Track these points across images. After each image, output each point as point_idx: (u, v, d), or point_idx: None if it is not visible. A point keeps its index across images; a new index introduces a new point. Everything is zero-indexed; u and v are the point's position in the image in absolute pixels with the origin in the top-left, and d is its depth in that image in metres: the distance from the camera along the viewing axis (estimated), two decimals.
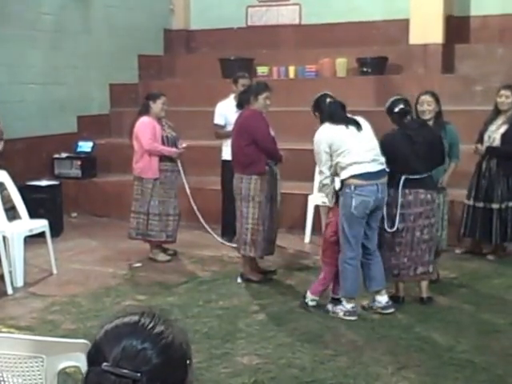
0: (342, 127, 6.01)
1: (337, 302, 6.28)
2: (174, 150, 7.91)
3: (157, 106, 7.82)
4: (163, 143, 7.85)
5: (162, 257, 8.04)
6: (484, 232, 7.76)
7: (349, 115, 6.16)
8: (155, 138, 7.78)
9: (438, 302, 6.48)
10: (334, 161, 6.01)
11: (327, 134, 6.04)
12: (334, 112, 6.15)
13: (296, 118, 10.60)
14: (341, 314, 6.12)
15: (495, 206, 7.67)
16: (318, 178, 6.31)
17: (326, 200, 8.29)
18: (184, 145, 8.05)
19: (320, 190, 6.41)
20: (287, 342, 5.62)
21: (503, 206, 7.66)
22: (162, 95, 7.91)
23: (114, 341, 1.58)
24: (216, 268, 7.74)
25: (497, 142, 7.59)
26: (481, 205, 7.74)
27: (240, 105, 7.27)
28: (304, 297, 6.40)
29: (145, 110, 7.87)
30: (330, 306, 6.24)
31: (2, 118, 8.56)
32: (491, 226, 7.70)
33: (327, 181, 6.14)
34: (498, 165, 7.64)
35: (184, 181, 8.15)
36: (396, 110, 6.32)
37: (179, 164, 8.01)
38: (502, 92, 7.62)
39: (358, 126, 6.05)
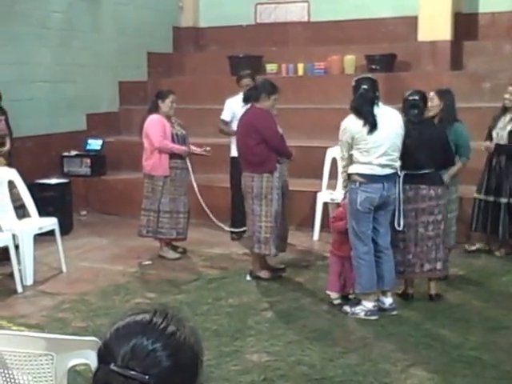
0: (364, 124, 5.88)
1: (350, 301, 6.27)
2: (183, 148, 7.92)
3: (166, 105, 7.82)
4: (173, 141, 7.86)
5: (171, 254, 8.05)
6: (493, 226, 7.76)
7: (375, 110, 5.95)
8: (165, 136, 7.79)
9: (446, 299, 6.48)
10: (351, 151, 5.99)
11: (352, 127, 5.95)
12: (359, 103, 6.00)
13: (305, 115, 10.62)
14: (362, 315, 6.07)
15: (503, 200, 7.67)
16: (340, 162, 6.28)
17: (334, 197, 8.38)
18: (203, 149, 8.06)
19: (340, 174, 6.38)
20: (296, 339, 5.62)
21: (511, 200, 7.67)
22: (171, 93, 7.90)
23: (124, 339, 1.57)
24: (225, 266, 7.74)
25: (505, 139, 7.59)
26: (491, 199, 7.75)
27: (247, 99, 7.20)
28: (329, 296, 6.40)
29: (154, 108, 7.88)
30: (347, 308, 6.18)
31: (11, 116, 8.60)
32: (499, 221, 7.72)
33: (347, 168, 6.10)
34: (508, 160, 7.64)
35: (192, 178, 8.16)
36: (410, 98, 6.31)
37: (188, 162, 8.02)
38: (509, 89, 7.61)
39: (383, 124, 5.92)
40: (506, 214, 7.69)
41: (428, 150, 6.20)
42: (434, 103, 6.83)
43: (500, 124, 7.66)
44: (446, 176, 6.73)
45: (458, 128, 6.96)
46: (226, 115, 8.64)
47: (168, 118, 7.89)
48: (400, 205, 6.17)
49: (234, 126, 7.95)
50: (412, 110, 6.28)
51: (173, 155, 7.83)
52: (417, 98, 6.30)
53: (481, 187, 7.84)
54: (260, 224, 6.99)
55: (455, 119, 6.99)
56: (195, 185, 8.24)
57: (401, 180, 6.15)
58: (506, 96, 7.60)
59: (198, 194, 8.26)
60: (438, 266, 6.35)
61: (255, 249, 7.12)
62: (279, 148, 7.03)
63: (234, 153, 8.02)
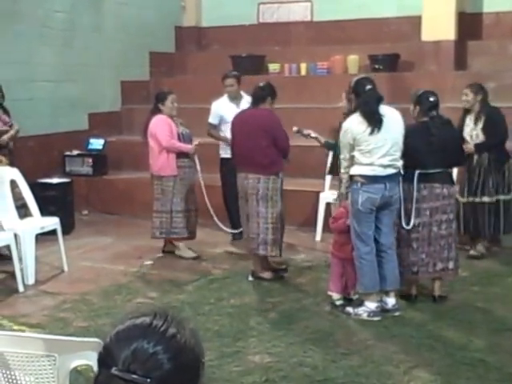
0: (369, 125, 5.85)
1: (353, 302, 6.25)
2: (190, 146, 7.90)
3: (167, 107, 7.79)
4: (179, 140, 7.84)
5: (189, 253, 8.02)
6: (476, 227, 7.78)
7: (381, 110, 5.94)
8: (172, 135, 7.77)
9: (449, 301, 6.44)
10: (353, 152, 5.97)
11: (354, 128, 5.92)
12: (367, 103, 5.96)
13: (307, 114, 10.57)
14: (365, 316, 6.04)
15: (487, 199, 7.69)
16: (341, 164, 6.27)
17: (336, 197, 8.35)
18: (196, 142, 8.06)
19: (341, 175, 6.35)
20: (298, 340, 5.59)
21: (494, 199, 7.69)
22: (169, 94, 7.87)
23: (124, 343, 1.55)
24: (227, 266, 7.72)
25: (481, 137, 7.64)
26: (477, 199, 7.73)
27: (257, 100, 7.13)
28: (331, 297, 6.38)
29: (156, 111, 7.85)
30: (350, 309, 6.15)
31: (13, 116, 8.57)
32: (483, 220, 7.73)
33: (348, 169, 6.07)
34: (490, 157, 7.65)
35: (200, 178, 8.12)
36: (431, 99, 6.29)
37: (196, 160, 7.99)
38: (464, 91, 7.76)
39: (385, 124, 5.89)
40: (493, 213, 7.71)
41: (444, 149, 6.21)
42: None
43: (468, 127, 7.72)
44: None
45: None
46: (213, 119, 8.63)
47: (171, 117, 7.87)
48: (412, 204, 6.17)
49: (224, 130, 8.14)
50: (433, 110, 6.29)
51: (180, 154, 7.81)
52: (436, 98, 6.33)
53: (463, 189, 7.78)
54: (266, 226, 6.96)
55: None
56: (202, 184, 8.18)
57: (415, 179, 6.16)
58: (464, 98, 7.73)
59: (205, 194, 8.17)
60: (450, 265, 6.36)
61: (260, 250, 7.06)
62: (287, 150, 7.06)
63: (224, 154, 8.04)
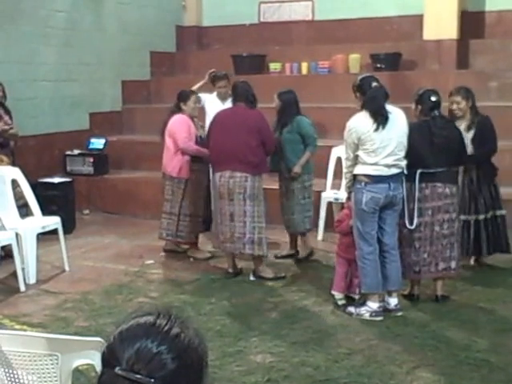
0: (375, 122, 5.82)
1: (355, 302, 6.23)
2: (207, 150, 7.79)
3: (189, 106, 7.73)
4: (196, 143, 7.73)
5: (202, 254, 8.00)
6: (474, 246, 7.22)
7: (388, 107, 5.92)
8: (190, 137, 7.70)
9: (452, 300, 6.42)
10: (357, 152, 5.94)
11: (359, 127, 5.89)
12: (374, 98, 5.93)
13: (309, 114, 10.48)
14: (367, 315, 6.02)
15: (481, 216, 7.16)
16: (344, 163, 6.26)
17: (338, 196, 8.34)
18: None
19: (344, 175, 6.32)
20: (301, 340, 5.57)
21: (488, 215, 7.18)
22: (192, 94, 7.84)
23: (128, 342, 1.54)
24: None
25: (470, 149, 6.98)
26: (472, 218, 7.17)
27: (251, 101, 7.15)
28: (333, 297, 6.37)
29: (177, 110, 7.79)
30: (352, 309, 6.13)
31: (14, 115, 8.55)
32: (480, 239, 7.19)
33: (352, 169, 6.05)
34: (479, 171, 7.13)
35: (211, 183, 8.05)
36: (433, 98, 6.22)
37: (210, 165, 7.93)
38: (453, 98, 7.03)
39: (391, 122, 5.87)
40: (489, 229, 7.18)
41: (446, 148, 6.19)
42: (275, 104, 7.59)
43: None
44: (297, 166, 7.38)
45: (301, 120, 7.50)
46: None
47: (191, 118, 7.82)
48: (414, 203, 6.16)
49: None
50: (434, 110, 6.24)
51: (194, 157, 7.69)
52: (438, 98, 6.26)
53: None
54: (253, 225, 6.93)
55: (297, 113, 7.54)
56: (213, 191, 8.06)
57: (417, 178, 6.14)
58: (453, 107, 7.02)
59: (213, 201, 8.03)
60: (453, 265, 6.32)
61: (247, 250, 7.01)
62: (272, 151, 7.17)
63: None
